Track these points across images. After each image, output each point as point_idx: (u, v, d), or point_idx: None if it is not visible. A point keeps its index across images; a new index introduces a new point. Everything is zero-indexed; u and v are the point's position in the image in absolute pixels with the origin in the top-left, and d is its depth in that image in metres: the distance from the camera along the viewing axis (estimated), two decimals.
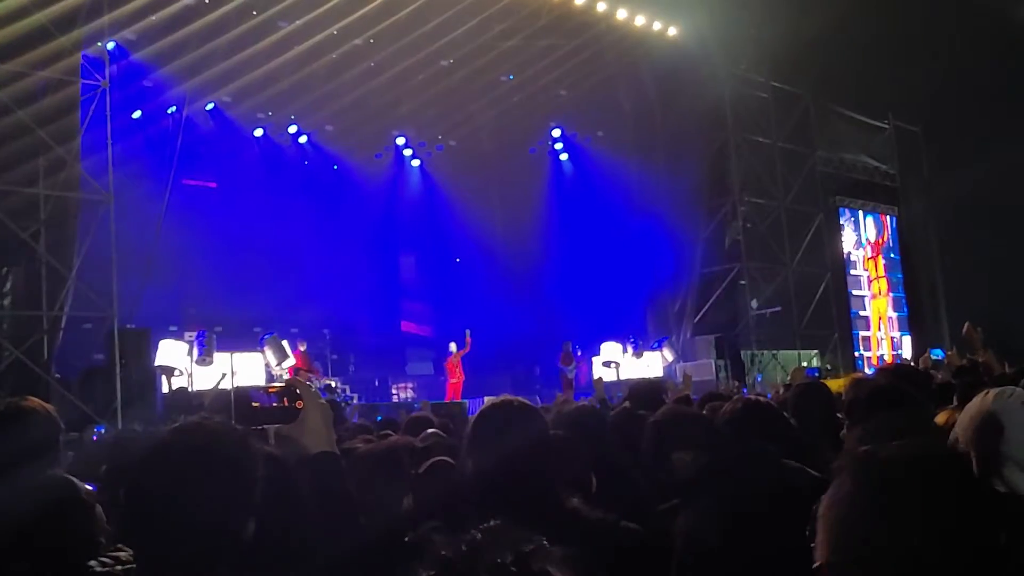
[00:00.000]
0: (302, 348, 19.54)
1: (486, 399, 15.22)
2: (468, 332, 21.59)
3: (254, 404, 2.68)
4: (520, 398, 2.98)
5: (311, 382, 19.20)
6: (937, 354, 14.61)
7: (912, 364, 14.90)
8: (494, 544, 1.28)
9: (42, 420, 3.03)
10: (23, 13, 14.27)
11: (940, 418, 4.25)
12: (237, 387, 3.07)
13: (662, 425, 3.46)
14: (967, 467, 1.56)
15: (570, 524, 2.51)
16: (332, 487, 2.57)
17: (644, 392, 7.00)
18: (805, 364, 20.89)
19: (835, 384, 14.86)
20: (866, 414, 3.32)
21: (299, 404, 2.70)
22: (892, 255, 28.71)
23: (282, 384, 2.75)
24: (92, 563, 1.94)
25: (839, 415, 4.35)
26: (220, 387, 16.12)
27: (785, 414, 3.85)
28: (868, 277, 27.63)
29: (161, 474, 1.95)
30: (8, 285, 15.67)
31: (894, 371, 5.53)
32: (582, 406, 3.80)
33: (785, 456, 2.98)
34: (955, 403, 6.06)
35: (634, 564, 2.59)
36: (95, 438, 10.32)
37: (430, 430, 5.17)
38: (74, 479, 2.89)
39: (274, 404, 2.69)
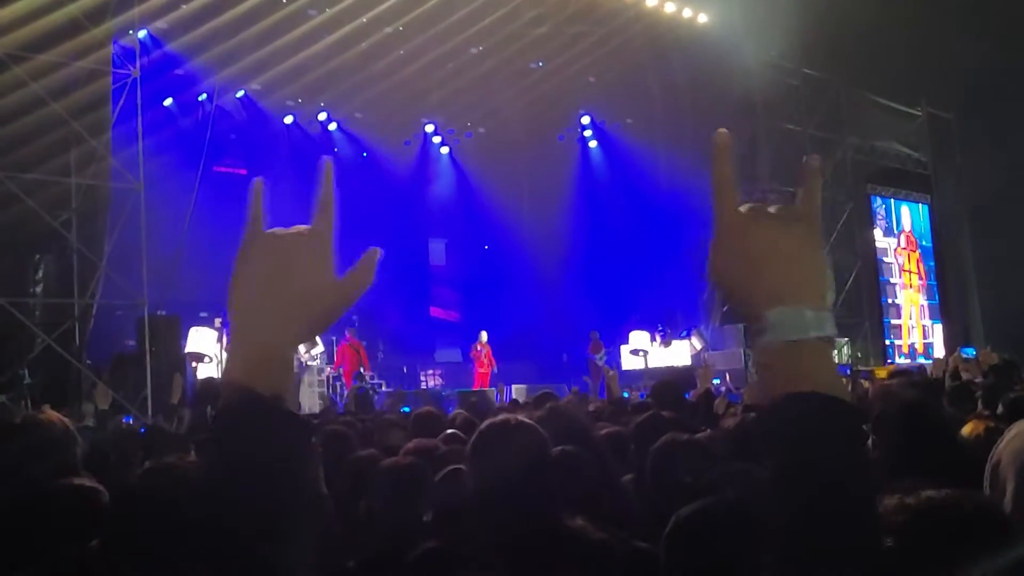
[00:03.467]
0: (351, 334, 19.73)
1: (513, 387, 15.18)
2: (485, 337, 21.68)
3: None
4: (519, 416, 3.00)
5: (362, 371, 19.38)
6: (968, 352, 14.44)
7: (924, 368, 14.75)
8: None
9: (58, 433, 3.07)
10: (56, 5, 14.40)
11: (967, 429, 4.16)
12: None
13: (660, 453, 3.48)
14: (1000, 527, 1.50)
15: (571, 544, 2.52)
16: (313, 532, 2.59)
17: (667, 392, 7.01)
18: (836, 361, 20.69)
19: (883, 372, 14.66)
20: (894, 431, 3.27)
21: None
22: (924, 243, 28.43)
23: None
24: None
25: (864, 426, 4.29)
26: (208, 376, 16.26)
27: None
28: (900, 267, 27.37)
29: (130, 531, 1.88)
30: (40, 273, 15.87)
31: (911, 381, 5.45)
32: (556, 408, 3.79)
33: None
34: (979, 407, 6.04)
35: None
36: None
37: (449, 431, 5.17)
38: (91, 486, 2.93)
39: None
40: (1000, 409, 5.40)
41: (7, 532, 2.58)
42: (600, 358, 22.24)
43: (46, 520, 2.66)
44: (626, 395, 13.18)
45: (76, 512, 2.54)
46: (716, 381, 16.91)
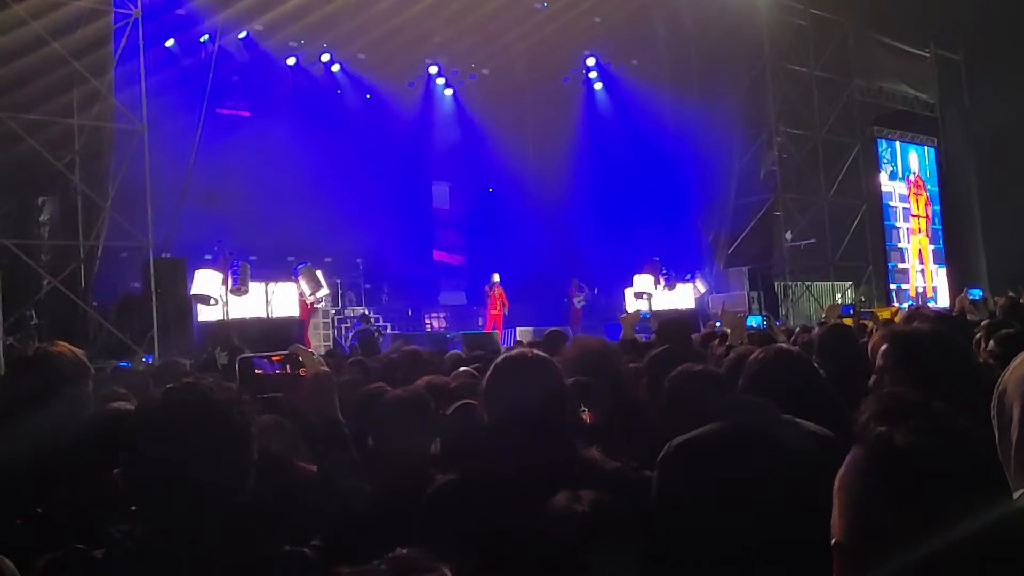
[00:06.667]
0: None
1: (518, 330, 15.16)
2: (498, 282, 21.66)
3: (257, 371, 2.71)
4: (536, 350, 3.02)
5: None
6: (975, 294, 14.39)
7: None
8: None
9: (70, 364, 3.10)
10: None
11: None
12: (242, 356, 3.07)
13: (675, 383, 3.50)
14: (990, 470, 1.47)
15: (586, 474, 2.55)
16: (331, 457, 2.62)
17: (673, 329, 6.97)
18: (840, 302, 20.74)
19: (884, 313, 14.73)
20: (916, 363, 3.25)
21: (302, 371, 2.73)
22: (930, 187, 28.32)
23: (285, 352, 2.78)
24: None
25: (873, 359, 4.30)
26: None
27: (814, 362, 3.86)
28: (909, 211, 27.31)
29: (154, 436, 1.96)
30: (45, 215, 15.86)
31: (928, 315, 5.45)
32: (589, 351, 3.81)
33: (808, 409, 2.98)
34: (983, 346, 6.06)
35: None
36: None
37: (461, 368, 5.20)
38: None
39: (277, 371, 2.72)
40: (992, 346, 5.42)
41: (43, 459, 2.61)
42: (579, 301, 22.41)
43: (81, 445, 2.69)
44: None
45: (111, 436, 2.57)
46: (719, 324, 17.00)
